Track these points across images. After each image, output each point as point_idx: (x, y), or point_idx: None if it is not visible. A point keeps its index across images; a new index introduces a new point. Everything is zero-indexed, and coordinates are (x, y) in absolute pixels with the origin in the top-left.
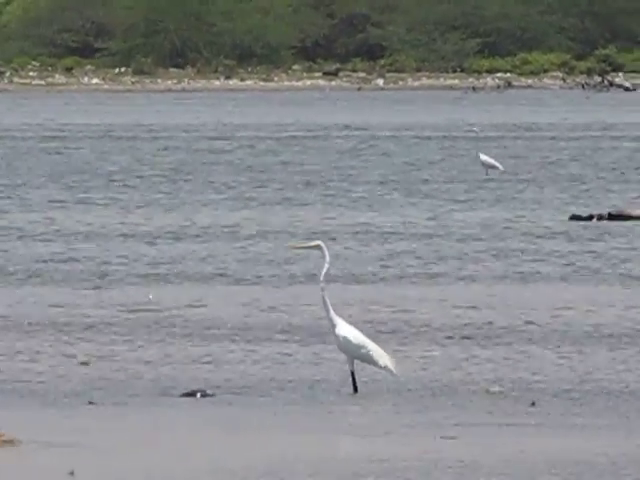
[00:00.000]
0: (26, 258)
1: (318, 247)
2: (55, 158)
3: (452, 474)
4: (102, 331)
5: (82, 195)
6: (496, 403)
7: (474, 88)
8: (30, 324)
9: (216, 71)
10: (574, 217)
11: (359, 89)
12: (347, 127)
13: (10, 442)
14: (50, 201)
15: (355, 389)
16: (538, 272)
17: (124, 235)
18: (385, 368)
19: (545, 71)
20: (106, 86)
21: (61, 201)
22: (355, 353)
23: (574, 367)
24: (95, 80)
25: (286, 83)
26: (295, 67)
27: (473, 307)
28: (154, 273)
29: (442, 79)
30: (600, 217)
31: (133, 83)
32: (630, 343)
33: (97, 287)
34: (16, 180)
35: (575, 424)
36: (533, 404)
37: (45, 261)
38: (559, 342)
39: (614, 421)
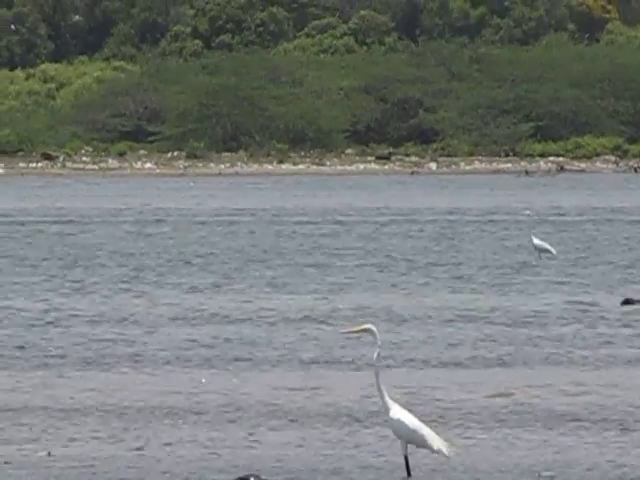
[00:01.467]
0: (79, 342)
1: (369, 331)
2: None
3: None
4: (155, 416)
5: (132, 279)
6: None
7: (527, 172)
8: (82, 409)
9: (269, 155)
10: (627, 301)
11: (412, 173)
12: (400, 211)
13: None
14: (111, 285)
15: (409, 473)
16: (591, 357)
17: (174, 319)
18: (438, 452)
19: (598, 155)
20: (158, 170)
21: (119, 285)
22: (409, 437)
23: (628, 454)
24: (148, 164)
25: (339, 167)
26: (348, 151)
27: (525, 391)
28: (206, 357)
29: (495, 163)
30: None
31: (186, 167)
32: None
33: (150, 371)
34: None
35: None
36: None
37: (94, 345)
38: (613, 427)
39: None
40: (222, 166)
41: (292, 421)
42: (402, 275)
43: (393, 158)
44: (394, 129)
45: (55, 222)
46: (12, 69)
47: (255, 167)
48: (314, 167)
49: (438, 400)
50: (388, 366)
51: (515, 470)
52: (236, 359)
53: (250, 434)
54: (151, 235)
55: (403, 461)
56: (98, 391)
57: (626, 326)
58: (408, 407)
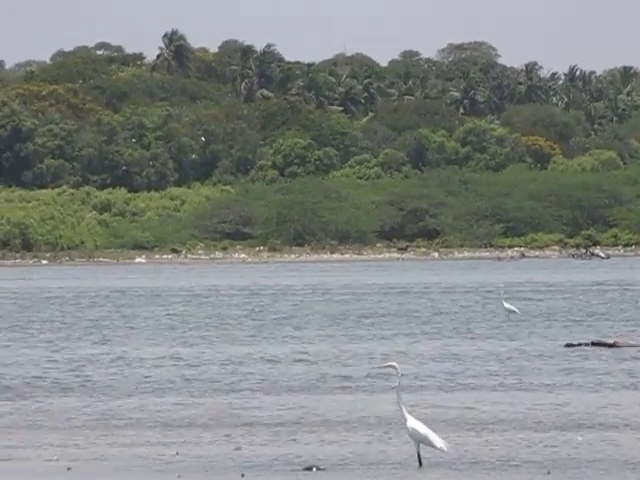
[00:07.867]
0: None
1: (393, 367)
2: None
3: None
4: (252, 425)
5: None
6: None
7: (499, 258)
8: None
9: (324, 248)
10: (568, 345)
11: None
12: (417, 285)
13: None
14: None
15: (420, 463)
16: (538, 383)
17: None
18: (440, 449)
19: (547, 246)
20: (250, 259)
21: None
22: (420, 439)
23: (538, 444)
24: (242, 255)
25: (372, 256)
26: (378, 245)
27: (491, 406)
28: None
29: (478, 252)
30: (586, 344)
31: (268, 257)
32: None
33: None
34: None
35: None
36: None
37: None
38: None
39: None
40: (293, 256)
41: (344, 428)
42: (415, 329)
43: (409, 249)
44: (409, 229)
45: (194, 294)
46: (149, 191)
47: (315, 256)
48: (355, 256)
49: (439, 412)
50: (410, 390)
51: (485, 461)
52: (299, 387)
53: (315, 437)
54: (257, 302)
55: (416, 455)
56: (224, 410)
57: (565, 361)
58: (419, 417)
